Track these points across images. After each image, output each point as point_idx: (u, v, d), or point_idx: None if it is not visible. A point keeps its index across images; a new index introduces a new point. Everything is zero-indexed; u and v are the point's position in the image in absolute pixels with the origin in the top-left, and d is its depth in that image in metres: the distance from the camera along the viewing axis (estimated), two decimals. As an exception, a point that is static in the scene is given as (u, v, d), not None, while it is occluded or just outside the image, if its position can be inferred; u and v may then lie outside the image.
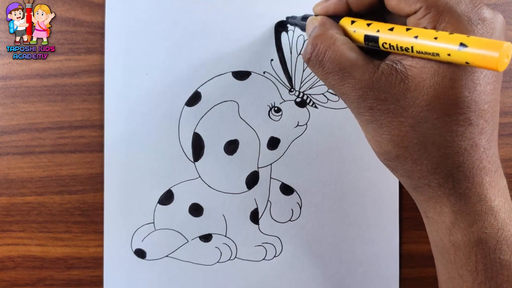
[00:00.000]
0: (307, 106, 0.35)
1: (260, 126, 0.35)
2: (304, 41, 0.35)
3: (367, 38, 0.24)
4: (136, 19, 0.35)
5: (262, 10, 0.35)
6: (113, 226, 0.35)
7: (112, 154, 0.35)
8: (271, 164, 0.36)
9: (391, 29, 0.23)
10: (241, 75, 0.35)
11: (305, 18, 0.30)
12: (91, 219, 0.36)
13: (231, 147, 0.35)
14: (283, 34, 0.35)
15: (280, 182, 0.36)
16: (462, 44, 0.20)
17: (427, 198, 0.25)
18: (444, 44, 0.21)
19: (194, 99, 0.35)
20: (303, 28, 0.30)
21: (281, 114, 0.35)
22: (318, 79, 0.35)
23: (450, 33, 0.21)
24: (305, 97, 0.35)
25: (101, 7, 0.35)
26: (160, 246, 0.36)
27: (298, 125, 0.36)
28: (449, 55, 0.21)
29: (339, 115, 0.35)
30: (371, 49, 0.25)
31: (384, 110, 0.24)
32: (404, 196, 0.36)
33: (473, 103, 0.22)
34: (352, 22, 0.26)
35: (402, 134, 0.24)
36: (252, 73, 0.35)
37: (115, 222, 0.35)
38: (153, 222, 0.35)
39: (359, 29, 0.25)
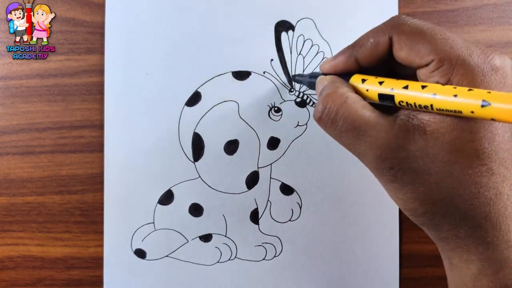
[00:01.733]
0: (307, 106, 0.35)
1: (260, 126, 0.35)
2: (304, 41, 0.35)
3: (381, 96, 0.24)
4: (136, 19, 0.35)
5: (262, 10, 0.35)
6: (113, 226, 0.35)
7: (112, 154, 0.35)
8: (271, 164, 0.36)
9: (406, 87, 0.23)
10: (241, 75, 0.35)
11: (312, 76, 0.30)
12: (91, 219, 0.36)
13: (231, 147, 0.35)
14: (283, 34, 0.35)
15: (280, 182, 0.36)
16: (485, 101, 0.20)
17: (454, 247, 0.25)
18: (465, 102, 0.20)
19: (194, 99, 0.35)
20: (311, 86, 0.30)
21: (281, 114, 0.35)
22: (318, 79, 0.35)
23: (469, 89, 0.21)
24: (305, 97, 0.35)
25: (101, 7, 0.35)
26: (160, 246, 0.36)
27: (298, 125, 0.36)
28: (472, 112, 0.20)
29: (339, 115, 0.35)
30: (383, 104, 0.24)
31: (406, 169, 0.23)
32: (404, 196, 0.36)
33: (494, 153, 0.22)
34: (363, 80, 0.25)
35: (427, 191, 0.23)
36: (252, 73, 0.35)
37: (115, 222, 0.35)
38: (153, 222, 0.35)
39: (372, 87, 0.24)
